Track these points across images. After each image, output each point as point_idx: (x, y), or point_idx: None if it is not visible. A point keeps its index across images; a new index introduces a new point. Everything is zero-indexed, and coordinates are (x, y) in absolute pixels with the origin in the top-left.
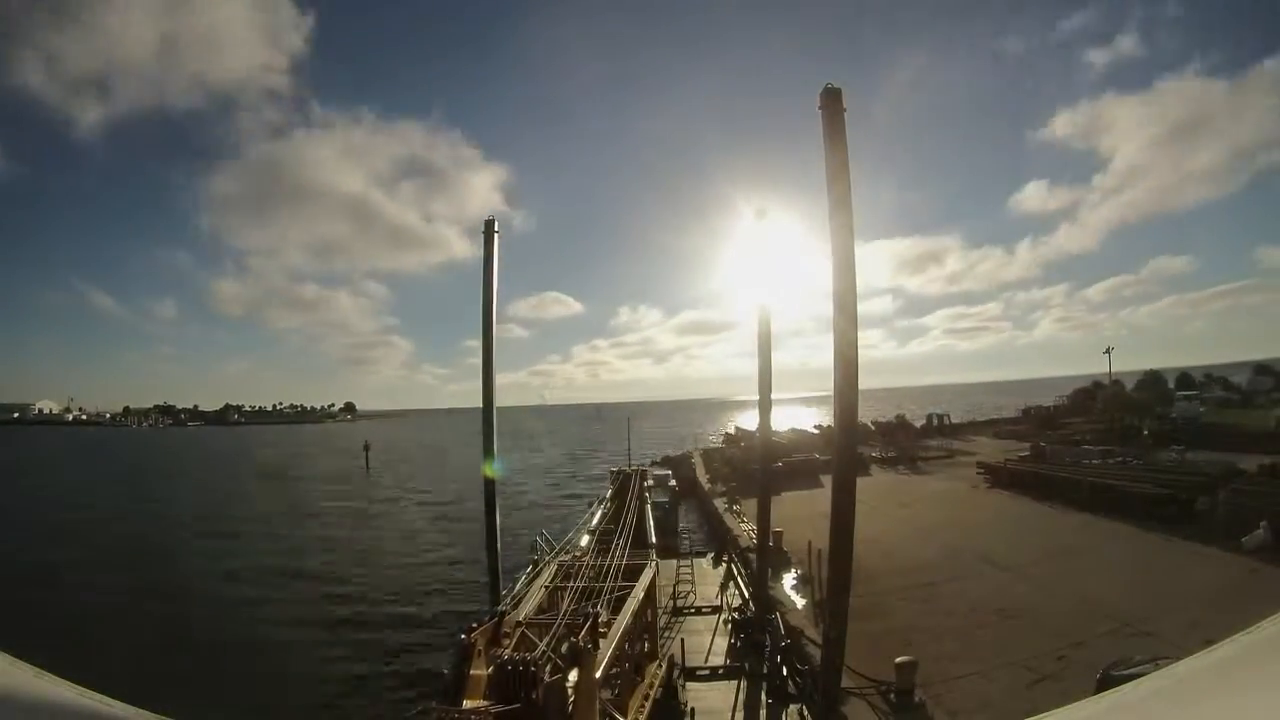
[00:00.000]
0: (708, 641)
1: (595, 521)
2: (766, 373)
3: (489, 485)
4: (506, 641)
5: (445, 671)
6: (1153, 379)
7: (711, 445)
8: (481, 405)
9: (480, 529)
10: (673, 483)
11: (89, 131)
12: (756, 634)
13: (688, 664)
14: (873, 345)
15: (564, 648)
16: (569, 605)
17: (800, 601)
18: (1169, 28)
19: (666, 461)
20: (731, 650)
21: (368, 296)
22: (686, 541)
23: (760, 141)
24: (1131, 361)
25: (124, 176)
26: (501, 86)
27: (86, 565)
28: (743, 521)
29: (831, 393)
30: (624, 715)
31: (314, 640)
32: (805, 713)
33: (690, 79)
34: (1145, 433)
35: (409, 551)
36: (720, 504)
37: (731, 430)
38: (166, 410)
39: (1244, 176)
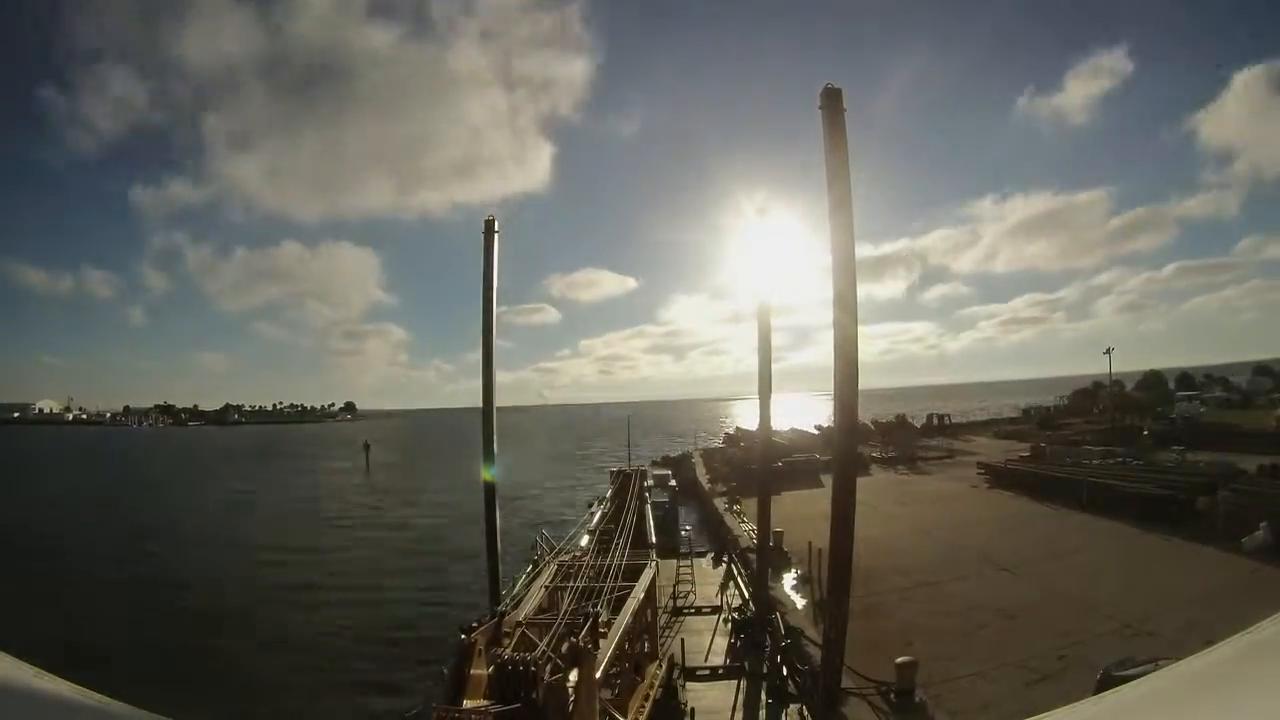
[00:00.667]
0: (708, 641)
1: (595, 521)
2: (766, 369)
3: (489, 485)
4: (507, 641)
5: (445, 671)
6: (1153, 379)
7: (711, 446)
8: (481, 405)
9: (480, 529)
10: (673, 483)
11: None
12: (756, 634)
13: (688, 664)
14: (919, 338)
15: (564, 648)
16: (569, 605)
17: (800, 601)
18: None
19: (666, 461)
20: (731, 650)
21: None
22: (686, 541)
23: (762, 140)
24: (1132, 361)
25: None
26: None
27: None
28: (743, 521)
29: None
30: (624, 715)
31: (314, 640)
32: (805, 713)
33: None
34: (1145, 433)
35: (409, 551)
36: (720, 504)
37: (732, 430)
38: (166, 410)
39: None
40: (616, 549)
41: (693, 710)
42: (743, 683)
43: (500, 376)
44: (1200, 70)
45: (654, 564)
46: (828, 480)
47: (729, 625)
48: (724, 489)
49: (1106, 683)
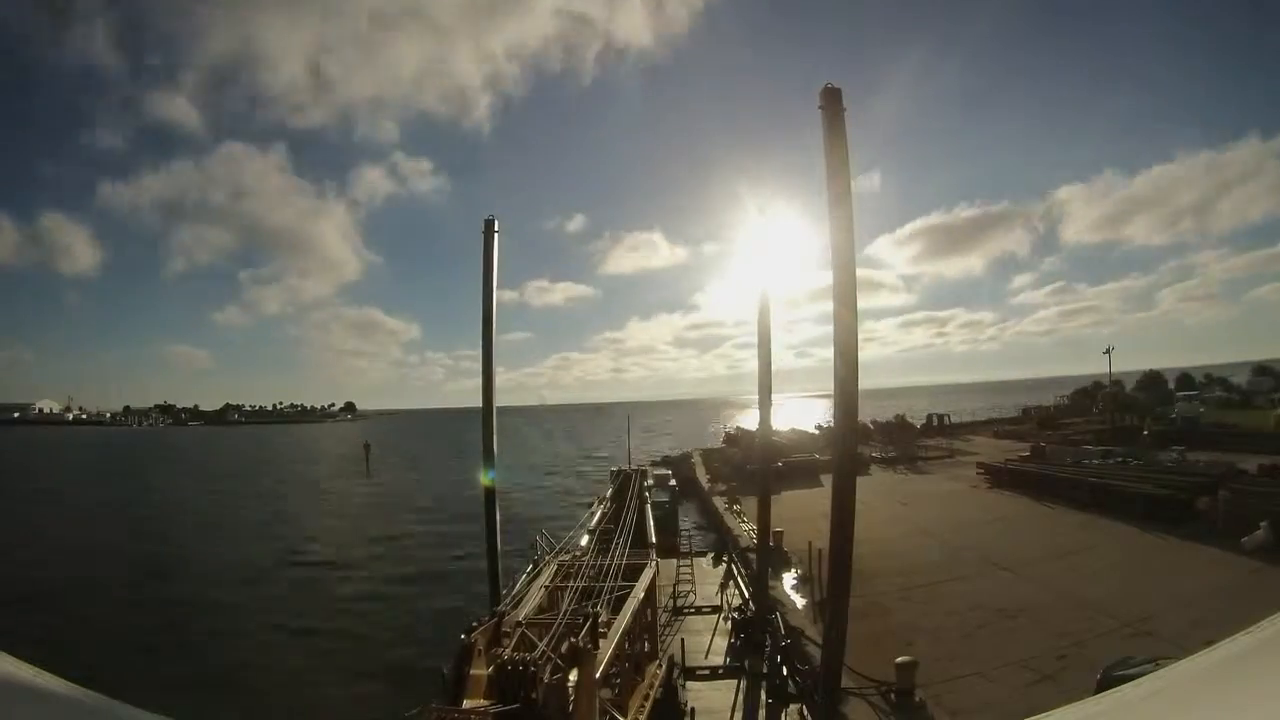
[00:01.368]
0: (708, 641)
1: (595, 521)
2: (766, 364)
3: (489, 488)
4: (507, 641)
5: (445, 671)
6: (1153, 379)
7: (711, 446)
8: (481, 406)
9: (480, 529)
10: (673, 483)
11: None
12: (756, 634)
13: (688, 664)
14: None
15: (564, 648)
16: (569, 605)
17: (800, 601)
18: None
19: (666, 461)
20: (731, 650)
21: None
22: (686, 541)
23: (765, 138)
24: (1132, 361)
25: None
26: None
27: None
28: (743, 521)
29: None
30: (624, 715)
31: (314, 640)
32: (805, 713)
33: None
34: (1145, 433)
35: (409, 551)
36: (720, 504)
37: (732, 430)
38: (166, 410)
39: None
40: (616, 549)
41: (693, 710)
42: (743, 683)
43: (513, 373)
44: None
45: (654, 564)
46: (827, 480)
47: (729, 625)
48: (724, 489)
49: (1106, 683)
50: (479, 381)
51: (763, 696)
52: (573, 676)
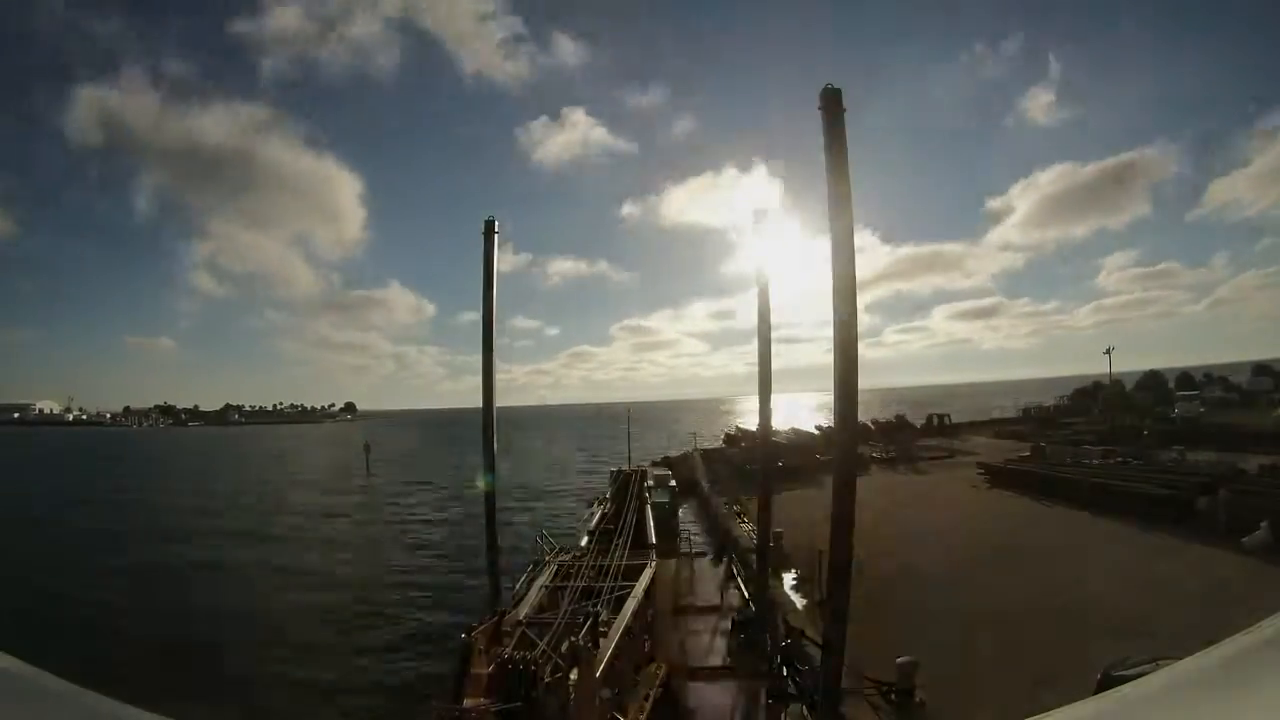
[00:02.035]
0: (708, 641)
1: (595, 521)
2: (766, 357)
3: (489, 488)
4: (507, 640)
5: (447, 670)
6: (1153, 379)
7: (711, 446)
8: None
9: (480, 529)
10: (673, 483)
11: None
12: (756, 634)
13: (688, 664)
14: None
15: (564, 647)
16: (569, 605)
17: (800, 601)
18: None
19: (666, 461)
20: (731, 650)
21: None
22: (686, 541)
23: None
24: (1131, 361)
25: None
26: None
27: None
28: (743, 521)
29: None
30: (624, 715)
31: (314, 640)
32: (805, 713)
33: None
34: (1145, 433)
35: (409, 551)
36: (720, 503)
37: (732, 430)
38: (166, 410)
39: None
40: (616, 549)
41: (693, 710)
42: (743, 683)
43: (524, 370)
44: None
45: (654, 564)
46: (827, 480)
47: (729, 625)
48: (724, 489)
49: (1106, 683)
50: (479, 380)
51: (763, 697)
52: (573, 676)
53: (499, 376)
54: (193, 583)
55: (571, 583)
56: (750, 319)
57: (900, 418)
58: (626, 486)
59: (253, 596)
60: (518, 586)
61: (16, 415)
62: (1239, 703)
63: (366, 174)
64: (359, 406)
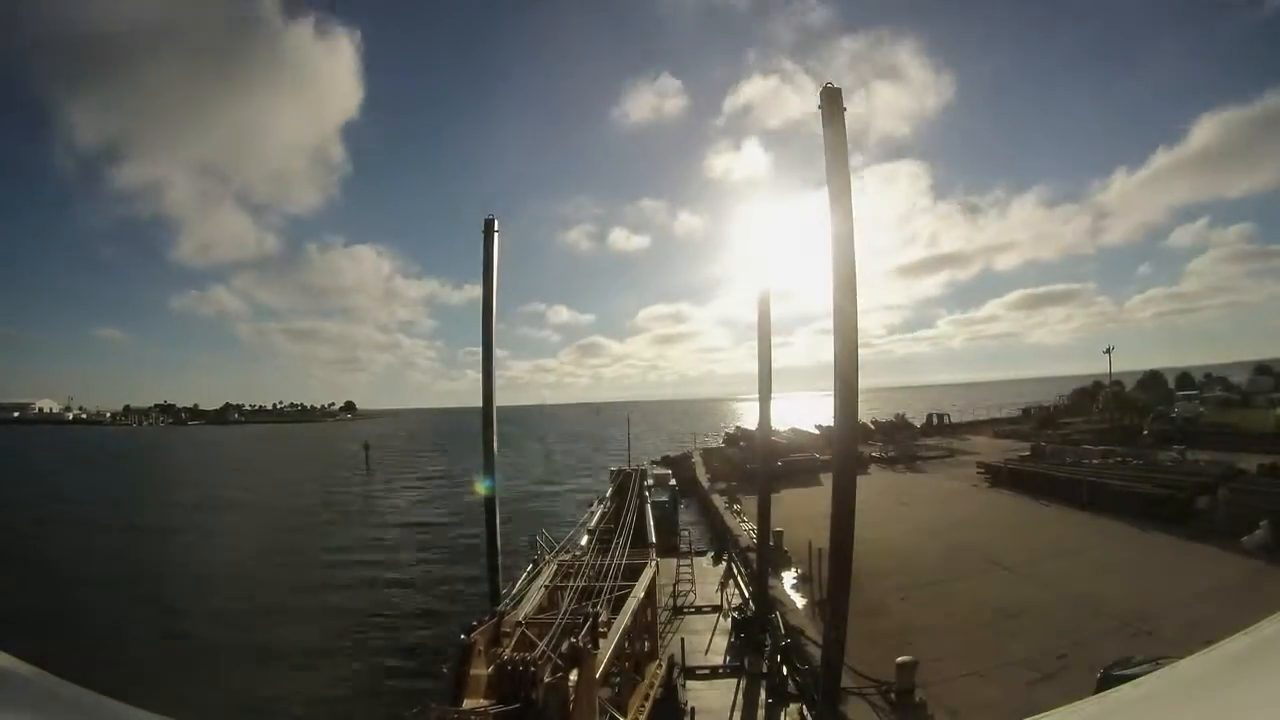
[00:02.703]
0: (708, 641)
1: (595, 521)
2: (767, 357)
3: (489, 488)
4: (506, 641)
5: (445, 671)
6: (1153, 379)
7: (711, 446)
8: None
9: (480, 529)
10: (673, 482)
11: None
12: (756, 633)
13: (688, 663)
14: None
15: (564, 647)
16: (569, 605)
17: (800, 601)
18: None
19: (666, 461)
20: (731, 650)
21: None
22: (686, 541)
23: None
24: (1131, 361)
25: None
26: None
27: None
28: (743, 521)
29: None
30: (624, 715)
31: (314, 640)
32: (805, 712)
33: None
34: (1145, 433)
35: (409, 551)
36: (720, 503)
37: (732, 430)
38: (167, 409)
39: None
40: (616, 548)
41: (693, 710)
42: (743, 682)
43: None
44: None
45: (654, 563)
46: (827, 479)
47: (729, 625)
48: (724, 488)
49: (1106, 683)
50: (478, 379)
51: (763, 696)
52: (573, 676)
53: (501, 375)
54: (193, 583)
55: (571, 583)
56: (782, 308)
57: (900, 417)
58: (626, 486)
59: (253, 597)
60: (517, 586)
61: (16, 415)
62: (1239, 703)
63: None
64: (358, 406)
